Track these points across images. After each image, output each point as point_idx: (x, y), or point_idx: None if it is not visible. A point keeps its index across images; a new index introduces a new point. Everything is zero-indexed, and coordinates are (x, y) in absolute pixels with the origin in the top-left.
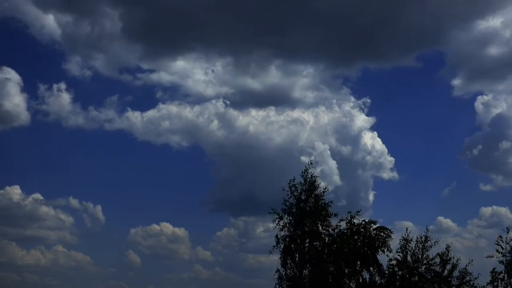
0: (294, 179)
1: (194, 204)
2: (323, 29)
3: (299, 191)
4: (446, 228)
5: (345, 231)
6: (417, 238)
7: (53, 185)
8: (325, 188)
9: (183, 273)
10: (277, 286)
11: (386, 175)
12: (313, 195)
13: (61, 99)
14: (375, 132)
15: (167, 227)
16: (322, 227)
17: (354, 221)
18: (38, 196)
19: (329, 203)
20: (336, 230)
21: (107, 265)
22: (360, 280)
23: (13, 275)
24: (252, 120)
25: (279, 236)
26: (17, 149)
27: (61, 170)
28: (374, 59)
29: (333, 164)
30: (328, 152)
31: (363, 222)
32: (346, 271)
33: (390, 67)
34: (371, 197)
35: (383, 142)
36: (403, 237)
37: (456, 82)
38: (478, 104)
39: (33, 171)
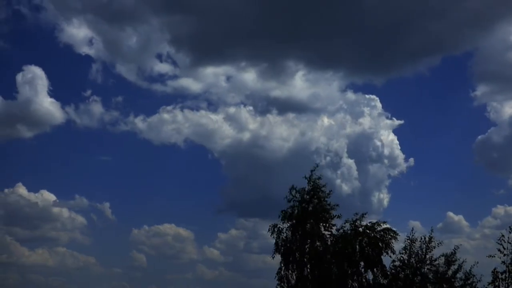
0: (296, 187)
1: (201, 205)
2: (346, 37)
3: (300, 194)
4: (458, 228)
5: (349, 232)
6: (421, 238)
7: (63, 186)
8: (330, 191)
9: (187, 273)
10: (278, 287)
11: (402, 176)
12: (316, 197)
13: (93, 106)
14: (393, 135)
15: (172, 228)
16: (324, 228)
17: (359, 222)
18: (43, 196)
19: (334, 206)
20: (340, 231)
21: (111, 265)
22: (364, 281)
23: (16, 275)
24: (267, 124)
25: (278, 242)
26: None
27: (71, 171)
28: (397, 66)
29: (350, 166)
30: (346, 154)
31: (369, 224)
32: (349, 271)
33: (412, 74)
34: (385, 198)
35: (401, 145)
36: (408, 237)
37: (478, 88)
38: (491, 107)
39: (44, 172)
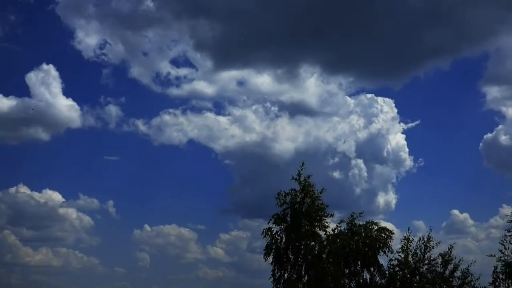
0: (283, 191)
1: (205, 206)
2: (360, 40)
3: (291, 196)
4: (465, 228)
5: (345, 231)
6: (420, 238)
7: (69, 186)
8: (322, 189)
9: (190, 274)
10: None
11: (411, 177)
12: (308, 196)
13: (108, 108)
14: (403, 137)
15: (176, 228)
16: (319, 228)
17: (355, 222)
18: (48, 196)
19: (326, 206)
20: (335, 231)
21: (114, 265)
22: (361, 281)
23: (19, 275)
24: (277, 126)
25: (270, 244)
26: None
27: (78, 172)
28: (408, 68)
29: (360, 167)
30: (355, 156)
31: (365, 223)
32: (346, 271)
33: (424, 76)
34: (394, 198)
35: (410, 147)
36: (404, 236)
37: (488, 91)
38: (501, 110)
39: (51, 172)
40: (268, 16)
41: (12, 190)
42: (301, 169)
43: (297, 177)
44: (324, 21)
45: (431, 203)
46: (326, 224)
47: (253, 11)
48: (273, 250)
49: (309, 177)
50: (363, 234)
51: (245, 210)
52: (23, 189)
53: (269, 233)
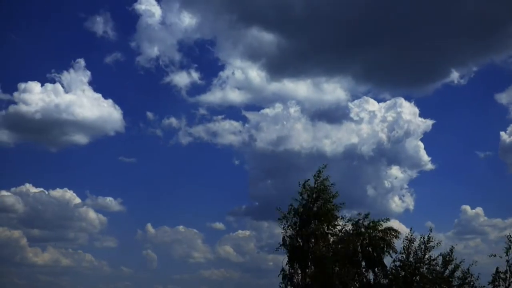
0: (308, 180)
1: (213, 206)
2: (387, 49)
3: (309, 193)
4: (480, 228)
5: (351, 231)
6: (420, 238)
7: (80, 186)
8: (336, 192)
9: (195, 273)
10: (282, 286)
11: (428, 180)
12: (321, 197)
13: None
14: (422, 140)
15: (184, 229)
16: (328, 228)
17: (361, 222)
18: (53, 195)
19: (340, 205)
20: (343, 231)
21: (120, 265)
22: (365, 281)
23: (24, 275)
24: (297, 130)
25: (285, 237)
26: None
27: (91, 173)
28: (429, 74)
29: (379, 169)
30: (371, 154)
31: (370, 224)
32: (351, 271)
33: (448, 82)
34: (411, 200)
35: (428, 149)
36: (406, 237)
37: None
38: None
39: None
40: (308, 28)
41: (16, 188)
42: (322, 170)
43: (316, 177)
44: (356, 33)
45: (448, 205)
46: (335, 227)
47: (299, 23)
48: (287, 245)
49: (326, 178)
50: (368, 235)
51: (254, 211)
52: (33, 188)
53: (284, 220)
